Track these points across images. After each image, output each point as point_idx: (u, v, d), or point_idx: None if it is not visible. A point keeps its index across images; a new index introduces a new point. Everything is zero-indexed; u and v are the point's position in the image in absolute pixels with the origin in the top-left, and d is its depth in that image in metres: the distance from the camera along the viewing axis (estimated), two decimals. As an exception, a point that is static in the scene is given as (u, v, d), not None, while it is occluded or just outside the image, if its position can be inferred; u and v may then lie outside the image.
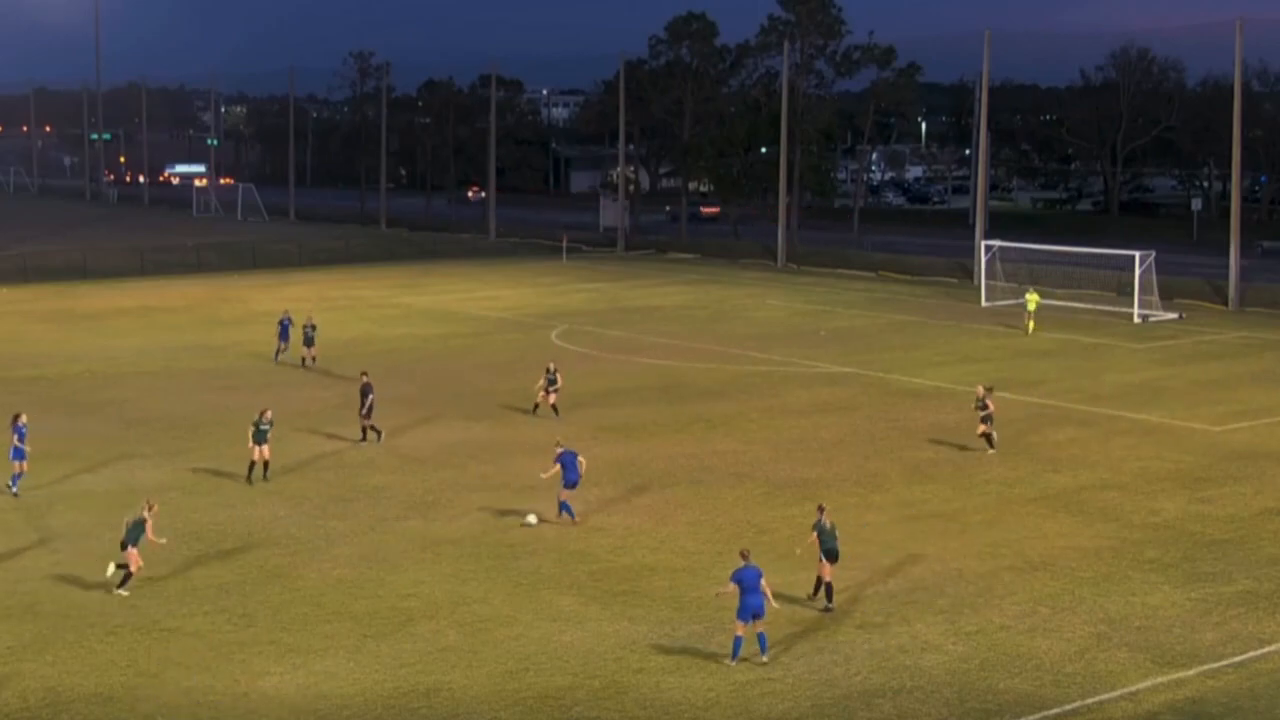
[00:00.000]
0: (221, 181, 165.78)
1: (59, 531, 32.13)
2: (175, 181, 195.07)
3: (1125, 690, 23.35)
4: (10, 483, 35.14)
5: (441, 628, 26.18)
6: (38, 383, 50.88)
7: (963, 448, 39.81)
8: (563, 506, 32.72)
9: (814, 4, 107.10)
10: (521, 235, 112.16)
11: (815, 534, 27.32)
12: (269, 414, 37.02)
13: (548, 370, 44.34)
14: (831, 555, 27.09)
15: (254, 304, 73.74)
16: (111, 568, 27.85)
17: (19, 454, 35.20)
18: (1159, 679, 23.79)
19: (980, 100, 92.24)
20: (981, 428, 39.42)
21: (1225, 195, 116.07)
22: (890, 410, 45.36)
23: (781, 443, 40.88)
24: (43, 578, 28.76)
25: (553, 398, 43.97)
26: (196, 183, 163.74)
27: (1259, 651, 25.03)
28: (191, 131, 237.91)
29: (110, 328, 65.38)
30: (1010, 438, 41.00)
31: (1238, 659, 24.67)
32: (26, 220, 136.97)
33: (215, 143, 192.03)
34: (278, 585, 28.50)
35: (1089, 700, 22.95)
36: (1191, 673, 24.07)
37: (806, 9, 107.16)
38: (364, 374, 41.96)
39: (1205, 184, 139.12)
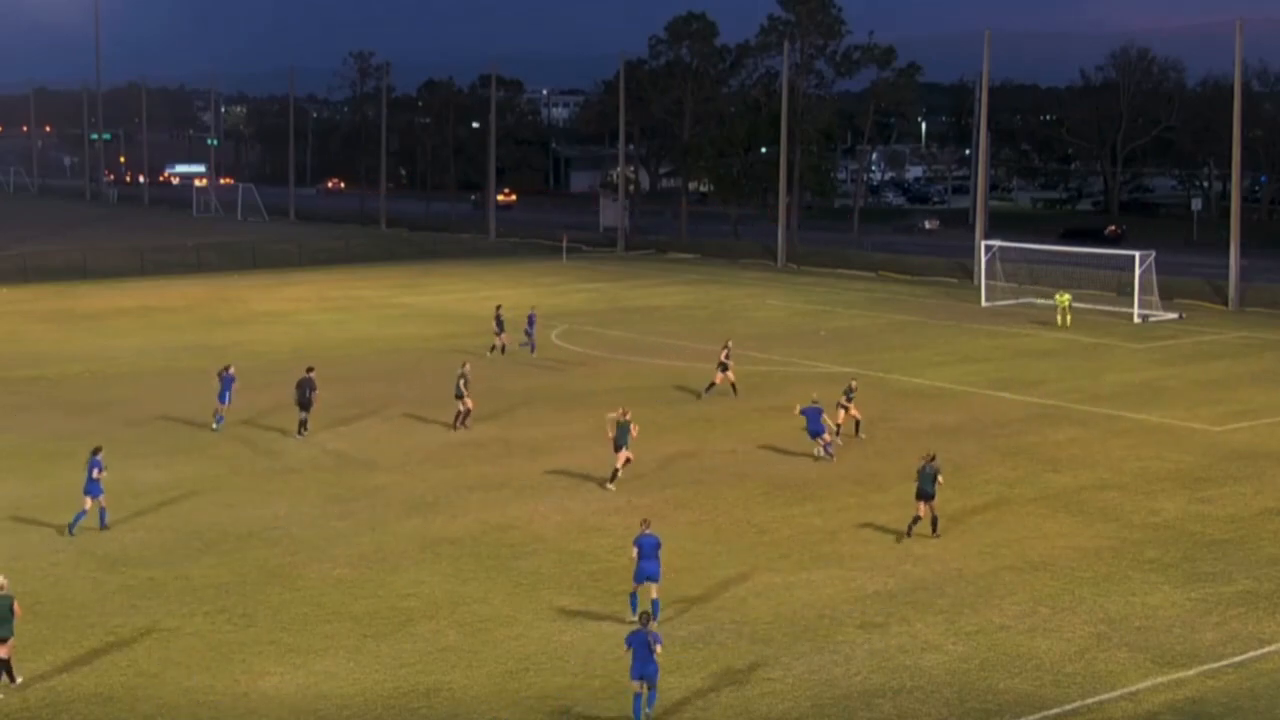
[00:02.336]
0: (221, 181, 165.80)
1: (59, 531, 32.07)
2: (175, 181, 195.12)
3: (1125, 690, 23.34)
4: (74, 522, 32.00)
5: (441, 628, 26.18)
6: (38, 383, 50.87)
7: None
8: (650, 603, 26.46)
9: (814, 4, 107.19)
10: (521, 235, 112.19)
11: (917, 476, 31.56)
12: (468, 366, 42.91)
13: (726, 347, 47.64)
14: (921, 494, 31.34)
15: (254, 304, 73.78)
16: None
17: (94, 489, 31.83)
18: (1159, 679, 23.79)
19: (980, 100, 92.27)
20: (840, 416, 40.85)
21: (1225, 195, 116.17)
22: (890, 410, 45.35)
23: (781, 443, 40.86)
24: (43, 578, 28.73)
25: (730, 376, 46.73)
26: (196, 183, 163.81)
27: (1259, 651, 25.03)
28: (191, 131, 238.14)
29: (110, 328, 65.38)
30: (1010, 438, 41.02)
31: (1238, 659, 24.67)
32: (26, 220, 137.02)
33: (215, 143, 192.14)
34: (278, 585, 28.49)
35: (1089, 700, 22.95)
36: (1191, 673, 24.07)
37: (806, 9, 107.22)
38: (310, 370, 42.46)
39: (1205, 184, 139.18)
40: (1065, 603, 27.45)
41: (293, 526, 32.55)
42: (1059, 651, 24.97)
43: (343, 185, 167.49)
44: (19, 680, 23.50)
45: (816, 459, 38.50)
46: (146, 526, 32.55)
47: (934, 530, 31.42)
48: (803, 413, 38.58)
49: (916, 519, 31.36)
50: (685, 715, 22.53)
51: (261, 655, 24.90)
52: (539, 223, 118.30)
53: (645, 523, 26.77)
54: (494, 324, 55.96)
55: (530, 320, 56.81)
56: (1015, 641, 25.46)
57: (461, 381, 42.54)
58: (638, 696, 21.85)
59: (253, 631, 26.04)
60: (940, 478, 31.59)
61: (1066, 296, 65.14)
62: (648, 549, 26.06)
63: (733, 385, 47.13)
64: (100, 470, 31.71)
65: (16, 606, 23.58)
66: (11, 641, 23.40)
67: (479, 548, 30.96)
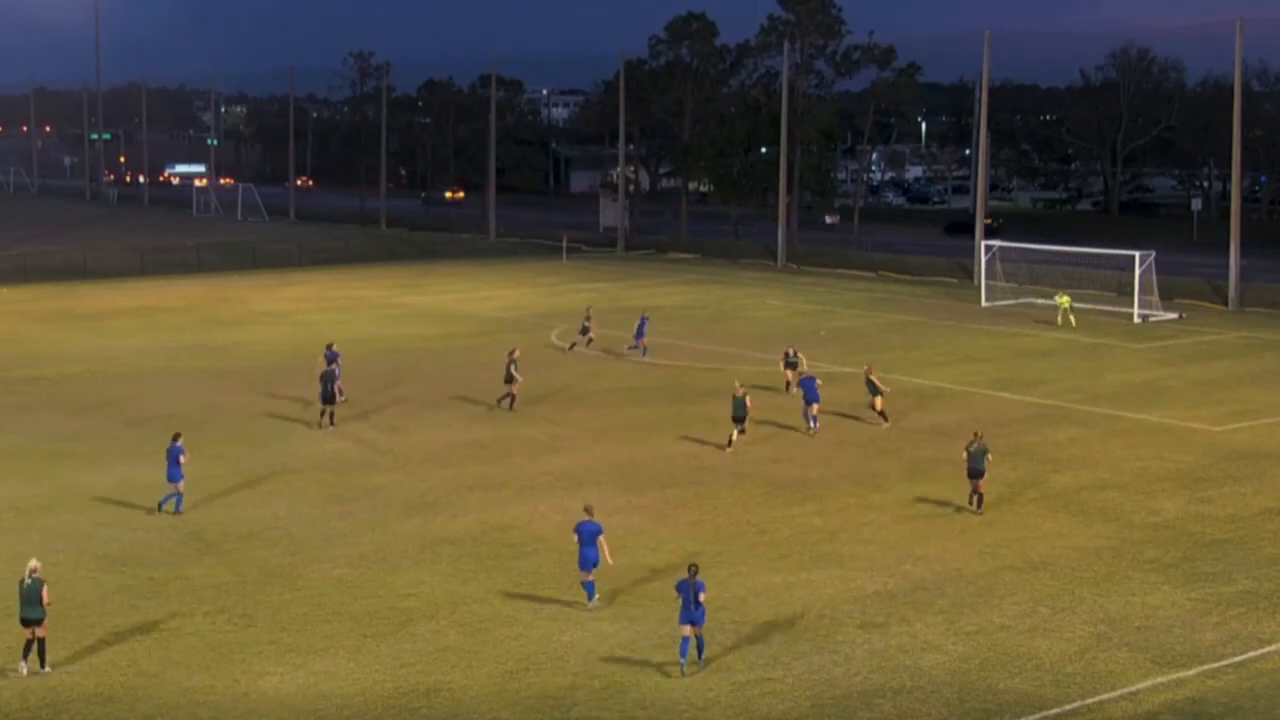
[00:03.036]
0: (221, 181, 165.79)
1: (59, 531, 32.12)
2: (175, 181, 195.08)
3: (1125, 690, 23.34)
4: (163, 502, 33.59)
5: (441, 628, 26.18)
6: (38, 383, 50.88)
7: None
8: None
9: (814, 4, 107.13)
10: (521, 235, 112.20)
11: (965, 453, 33.84)
12: (516, 352, 45.34)
13: (787, 354, 48.19)
14: (973, 473, 33.54)
15: (254, 304, 73.79)
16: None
17: (175, 474, 33.53)
18: (1159, 679, 23.78)
19: (980, 100, 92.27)
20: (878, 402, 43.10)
21: (1225, 195, 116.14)
22: (890, 410, 45.33)
23: (781, 443, 40.87)
24: (43, 578, 28.68)
25: (790, 375, 47.39)
26: (196, 183, 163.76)
27: (1259, 651, 25.03)
28: (191, 131, 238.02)
29: (110, 328, 65.38)
30: (1010, 438, 41.02)
31: (1238, 659, 24.67)
32: (26, 220, 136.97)
33: (215, 143, 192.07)
34: (278, 585, 28.50)
35: (1089, 700, 22.95)
36: (1191, 673, 24.07)
37: (806, 9, 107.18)
38: (330, 346, 46.03)
39: (1205, 184, 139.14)
40: (1065, 603, 27.45)
41: (293, 526, 32.55)
42: (1059, 651, 24.97)
43: (310, 183, 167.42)
44: (47, 669, 24.00)
45: (810, 432, 41.54)
46: (146, 526, 32.57)
47: (979, 506, 33.52)
48: (801, 384, 43.03)
49: (972, 495, 33.74)
50: (685, 715, 22.54)
51: (261, 655, 24.90)
52: (539, 223, 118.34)
53: (588, 509, 27.62)
54: (582, 324, 56.73)
55: (641, 323, 56.28)
56: (1015, 641, 25.46)
57: (511, 366, 45.06)
58: (685, 640, 24.08)
59: (253, 631, 26.05)
60: (990, 456, 33.86)
61: (1067, 298, 65.20)
62: (586, 536, 27.03)
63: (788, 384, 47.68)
64: (183, 456, 33.55)
65: (46, 592, 24.10)
66: (45, 624, 24.03)
67: (479, 548, 30.96)
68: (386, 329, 64.30)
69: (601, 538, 27.08)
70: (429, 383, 50.48)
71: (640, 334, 55.74)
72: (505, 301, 74.06)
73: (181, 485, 33.59)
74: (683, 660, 24.04)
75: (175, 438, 34.01)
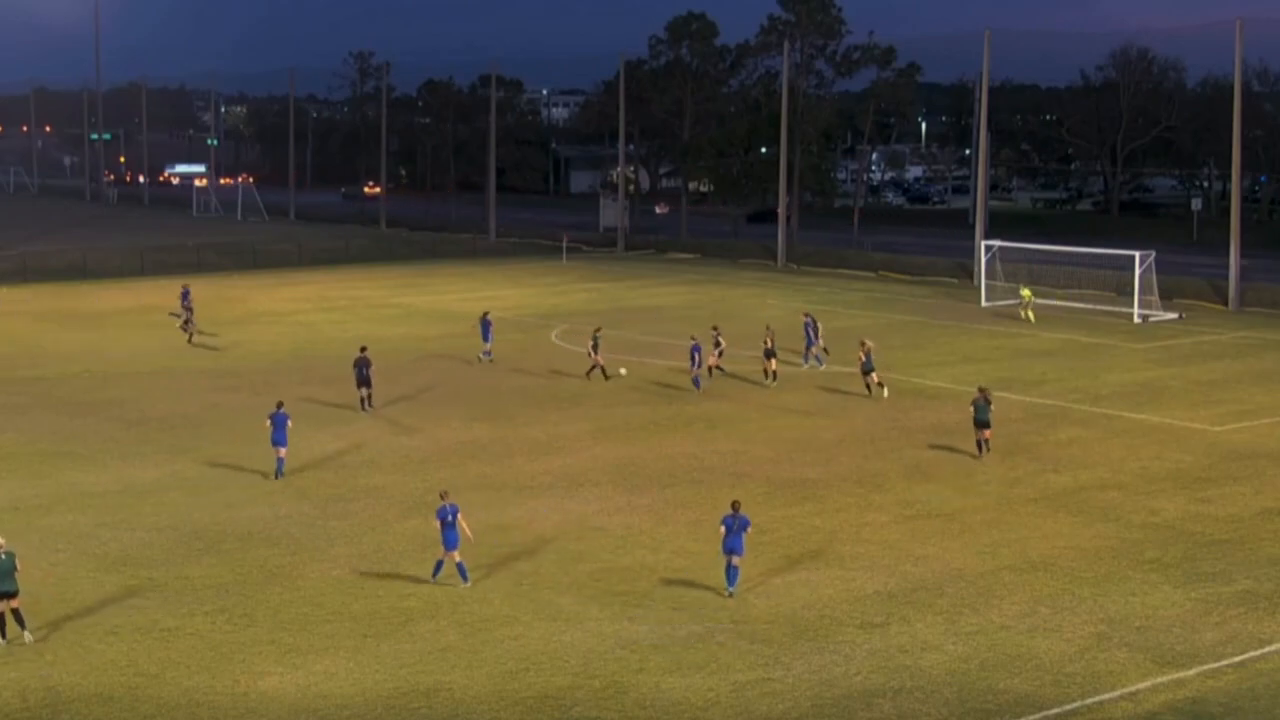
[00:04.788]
0: (221, 181, 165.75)
1: (59, 531, 32.13)
2: (175, 181, 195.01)
3: (1125, 690, 23.35)
4: (279, 469, 36.70)
5: (441, 628, 26.18)
6: (38, 383, 50.88)
7: (955, 449, 39.80)
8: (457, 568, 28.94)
9: (814, 4, 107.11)
10: (521, 235, 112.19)
11: (972, 407, 38.75)
12: (600, 331, 51.58)
13: (765, 344, 50.03)
14: (979, 424, 38.61)
15: (254, 304, 73.78)
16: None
17: (281, 438, 36.70)
18: (1159, 679, 23.79)
19: (980, 100, 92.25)
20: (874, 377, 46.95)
21: (1225, 195, 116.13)
22: (890, 410, 45.35)
23: (781, 443, 40.88)
24: (43, 578, 28.73)
25: (772, 364, 49.65)
26: (196, 183, 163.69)
27: (1259, 651, 25.03)
28: (191, 131, 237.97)
29: (110, 328, 65.38)
30: (1010, 438, 41.02)
31: (1238, 659, 24.68)
32: (26, 220, 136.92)
33: (215, 143, 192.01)
34: (278, 585, 28.50)
35: (1089, 700, 22.95)
36: (1191, 673, 24.07)
37: (806, 9, 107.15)
38: (363, 349, 46.76)
39: (1205, 184, 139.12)
40: (1065, 603, 27.45)
41: (293, 526, 32.56)
42: (1059, 651, 24.97)
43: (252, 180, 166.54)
44: (27, 634, 25.24)
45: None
46: (146, 526, 32.58)
47: (984, 452, 38.55)
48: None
49: (980, 443, 38.68)
50: (685, 715, 22.54)
51: (261, 655, 24.90)
52: (539, 223, 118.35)
53: (444, 494, 28.84)
54: (714, 340, 51.66)
55: (807, 329, 53.64)
56: (1015, 641, 25.46)
57: (592, 344, 49.91)
58: (728, 566, 27.69)
59: (253, 631, 26.05)
60: (992, 406, 38.81)
61: (1028, 291, 66.59)
62: (445, 518, 28.30)
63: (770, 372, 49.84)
64: (289, 422, 36.83)
65: (18, 563, 25.72)
66: (19, 596, 25.41)
67: (479, 548, 30.94)
68: (387, 329, 64.27)
69: (460, 516, 28.36)
70: (429, 383, 50.46)
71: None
72: (505, 301, 74.01)
73: (284, 452, 36.63)
74: (727, 586, 27.56)
75: (279, 405, 37.08)
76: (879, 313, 69.56)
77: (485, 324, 54.92)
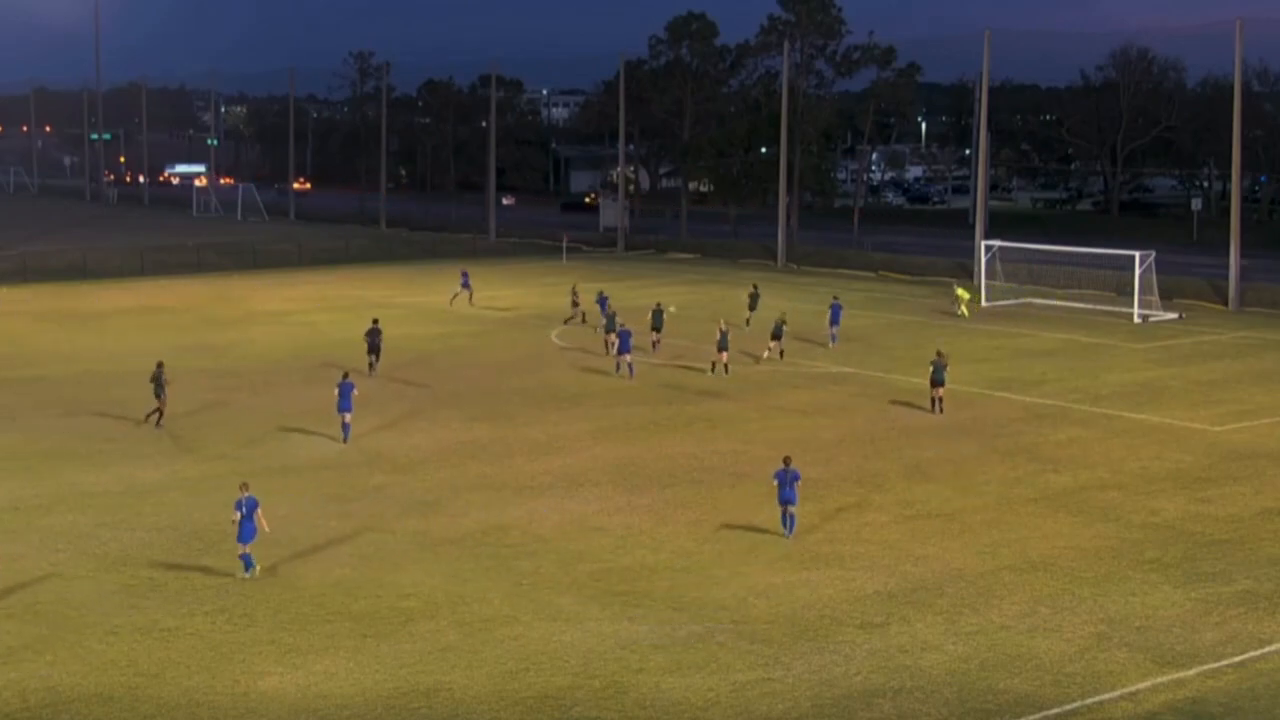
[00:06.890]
0: (221, 181, 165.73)
1: (59, 531, 32.12)
2: (175, 181, 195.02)
3: (1125, 690, 23.35)
4: (345, 434, 40.08)
5: (441, 628, 26.18)
6: (38, 383, 50.86)
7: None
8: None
9: (814, 4, 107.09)
10: (521, 235, 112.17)
11: (930, 367, 44.12)
12: (673, 307, 55.50)
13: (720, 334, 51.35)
14: (935, 382, 44.01)
15: (254, 304, 73.77)
16: None
17: (347, 405, 40.02)
18: (1159, 679, 23.79)
19: (980, 100, 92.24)
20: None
21: (1225, 195, 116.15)
22: (890, 410, 45.37)
23: (781, 443, 40.78)
24: (43, 578, 28.75)
25: (724, 356, 51.19)
26: (196, 183, 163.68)
27: (1259, 651, 25.04)
28: (191, 131, 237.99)
29: (110, 328, 65.37)
30: (1010, 438, 41.05)
31: (1238, 659, 24.68)
32: (26, 220, 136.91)
33: (215, 143, 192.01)
34: (278, 585, 28.49)
35: (1089, 700, 22.95)
36: (1191, 673, 24.07)
37: (806, 9, 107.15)
38: (375, 321, 52.17)
39: (1205, 184, 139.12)
40: (1065, 603, 27.45)
41: (293, 526, 32.54)
42: (1059, 651, 24.97)
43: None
44: None
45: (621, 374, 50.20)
46: (146, 526, 32.58)
47: (939, 409, 43.84)
48: (619, 333, 51.72)
49: (934, 400, 44.05)
50: (685, 715, 22.54)
51: (261, 655, 24.90)
52: (539, 223, 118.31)
53: (244, 486, 29.30)
54: (771, 332, 54.46)
55: (834, 310, 58.73)
56: (1015, 641, 25.47)
57: (656, 316, 55.50)
58: (784, 515, 31.27)
59: (253, 631, 26.04)
60: (948, 369, 44.10)
61: (965, 291, 69.32)
62: (247, 510, 28.83)
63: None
64: (354, 391, 40.28)
65: None
66: None
67: (479, 548, 30.97)
68: (387, 329, 63.98)
69: (259, 510, 28.80)
70: (429, 383, 50.45)
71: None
72: (505, 301, 74.04)
73: (349, 417, 39.88)
74: (785, 531, 31.08)
75: (345, 375, 40.78)
76: (879, 313, 69.56)
77: (600, 299, 60.07)
